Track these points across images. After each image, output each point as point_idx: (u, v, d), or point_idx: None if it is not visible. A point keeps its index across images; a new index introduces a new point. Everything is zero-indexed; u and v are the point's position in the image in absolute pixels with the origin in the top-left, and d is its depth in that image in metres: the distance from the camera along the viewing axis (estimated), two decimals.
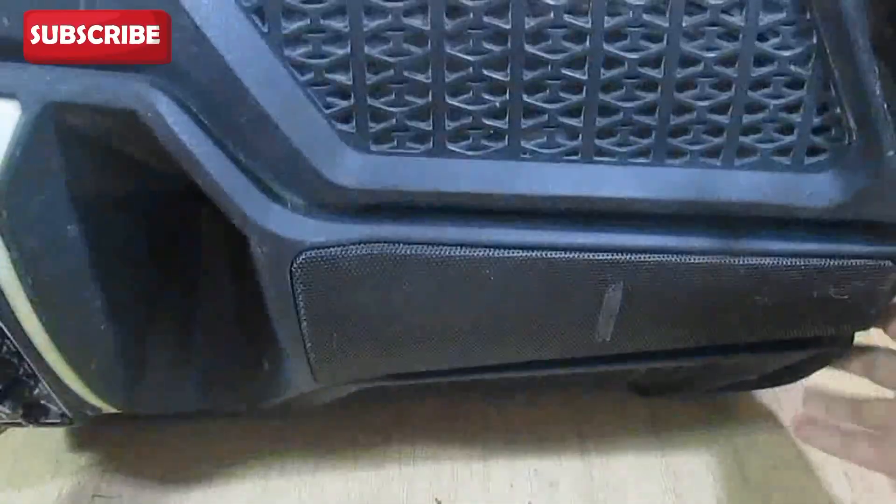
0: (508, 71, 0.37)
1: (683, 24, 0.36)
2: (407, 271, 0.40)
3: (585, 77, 0.37)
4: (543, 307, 0.43)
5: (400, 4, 0.35)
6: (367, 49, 0.36)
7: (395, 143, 0.38)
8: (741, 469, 0.62)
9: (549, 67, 0.37)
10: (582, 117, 0.38)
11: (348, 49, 0.36)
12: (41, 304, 0.40)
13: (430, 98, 0.37)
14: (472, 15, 0.35)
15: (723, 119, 0.38)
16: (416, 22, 0.35)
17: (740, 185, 0.40)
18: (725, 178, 0.40)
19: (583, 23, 0.36)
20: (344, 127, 0.37)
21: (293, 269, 0.39)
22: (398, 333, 0.44)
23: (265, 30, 0.35)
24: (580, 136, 0.38)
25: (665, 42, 0.36)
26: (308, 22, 0.35)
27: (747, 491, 0.61)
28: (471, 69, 0.36)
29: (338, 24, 0.35)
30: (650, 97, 0.38)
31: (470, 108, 0.37)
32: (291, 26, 0.35)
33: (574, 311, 0.43)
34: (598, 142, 0.39)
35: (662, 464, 0.63)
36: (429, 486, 0.61)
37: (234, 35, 0.35)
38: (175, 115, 0.35)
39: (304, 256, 0.39)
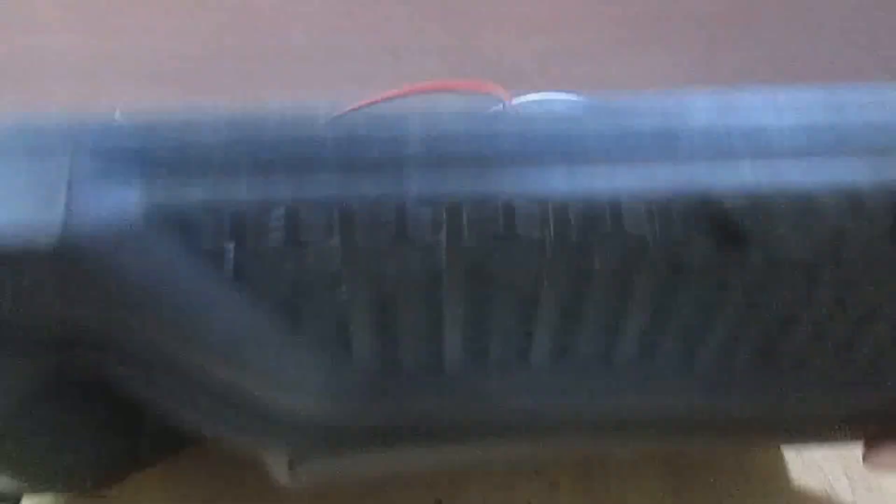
0: None
1: None
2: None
3: None
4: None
5: None
6: None
7: None
8: (742, 468, 0.63)
9: None
10: None
11: None
12: (21, 477, 0.37)
13: None
14: None
15: None
16: None
17: None
18: None
19: None
20: None
21: None
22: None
23: None
24: None
25: None
26: None
27: (748, 490, 0.62)
28: None
29: None
30: None
31: None
32: None
33: None
34: None
35: (663, 463, 0.63)
36: (429, 486, 0.61)
37: None
38: None
39: None
